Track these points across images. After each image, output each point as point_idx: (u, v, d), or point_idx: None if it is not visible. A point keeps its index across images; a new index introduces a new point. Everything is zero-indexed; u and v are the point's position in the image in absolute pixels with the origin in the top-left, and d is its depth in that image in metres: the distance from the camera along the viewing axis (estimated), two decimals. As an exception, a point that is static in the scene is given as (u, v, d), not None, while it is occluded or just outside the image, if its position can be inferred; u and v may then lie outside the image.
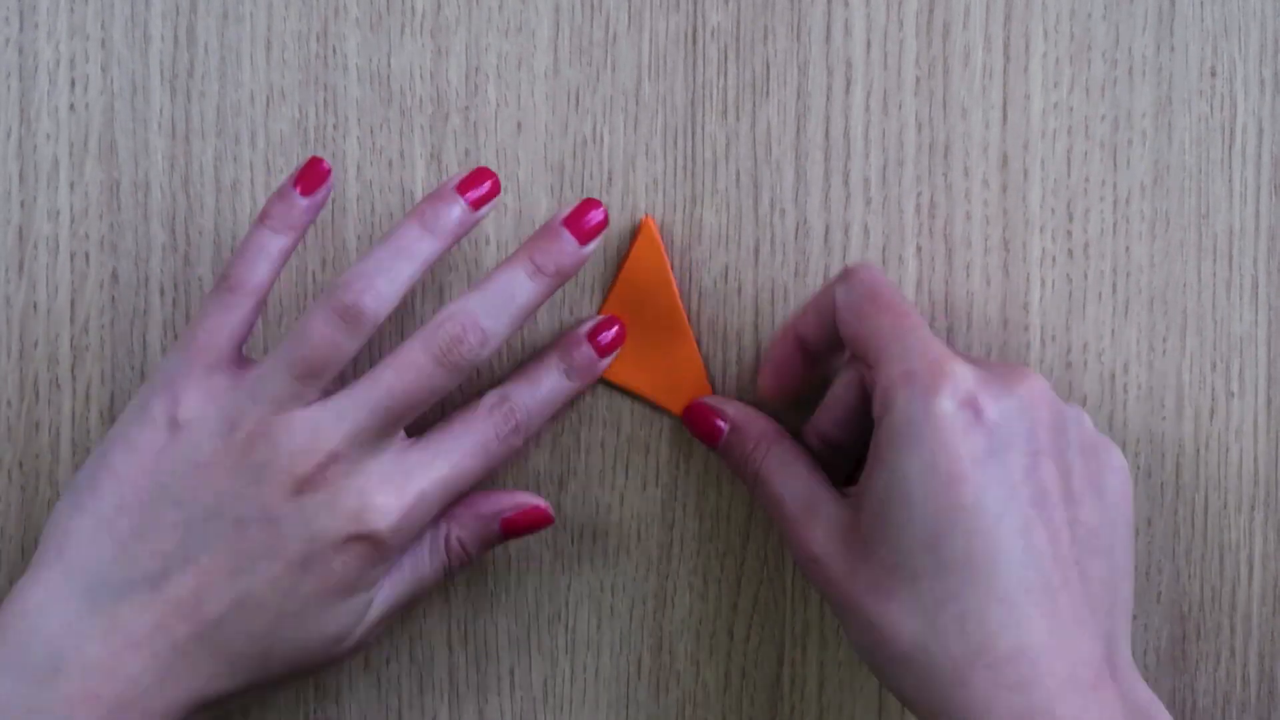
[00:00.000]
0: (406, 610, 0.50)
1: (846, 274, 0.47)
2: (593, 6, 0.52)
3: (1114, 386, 0.53)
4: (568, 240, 0.48)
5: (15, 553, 0.52)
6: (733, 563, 0.53)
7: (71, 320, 0.52)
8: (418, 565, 0.49)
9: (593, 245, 0.48)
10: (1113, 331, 0.53)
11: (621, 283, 0.52)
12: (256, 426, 0.45)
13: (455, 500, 0.48)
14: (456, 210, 0.48)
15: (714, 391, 0.53)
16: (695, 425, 0.51)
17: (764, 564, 0.53)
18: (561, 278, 0.48)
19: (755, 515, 0.53)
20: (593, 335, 0.51)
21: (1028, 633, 0.42)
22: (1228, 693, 0.53)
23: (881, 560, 0.44)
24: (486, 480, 0.49)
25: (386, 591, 0.48)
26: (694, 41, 0.52)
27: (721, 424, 0.50)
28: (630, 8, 0.52)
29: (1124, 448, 0.53)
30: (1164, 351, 0.53)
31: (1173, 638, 0.53)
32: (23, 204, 0.52)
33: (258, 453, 0.45)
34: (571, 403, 0.52)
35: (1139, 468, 0.53)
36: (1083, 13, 0.52)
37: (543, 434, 0.53)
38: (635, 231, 0.52)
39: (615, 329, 0.51)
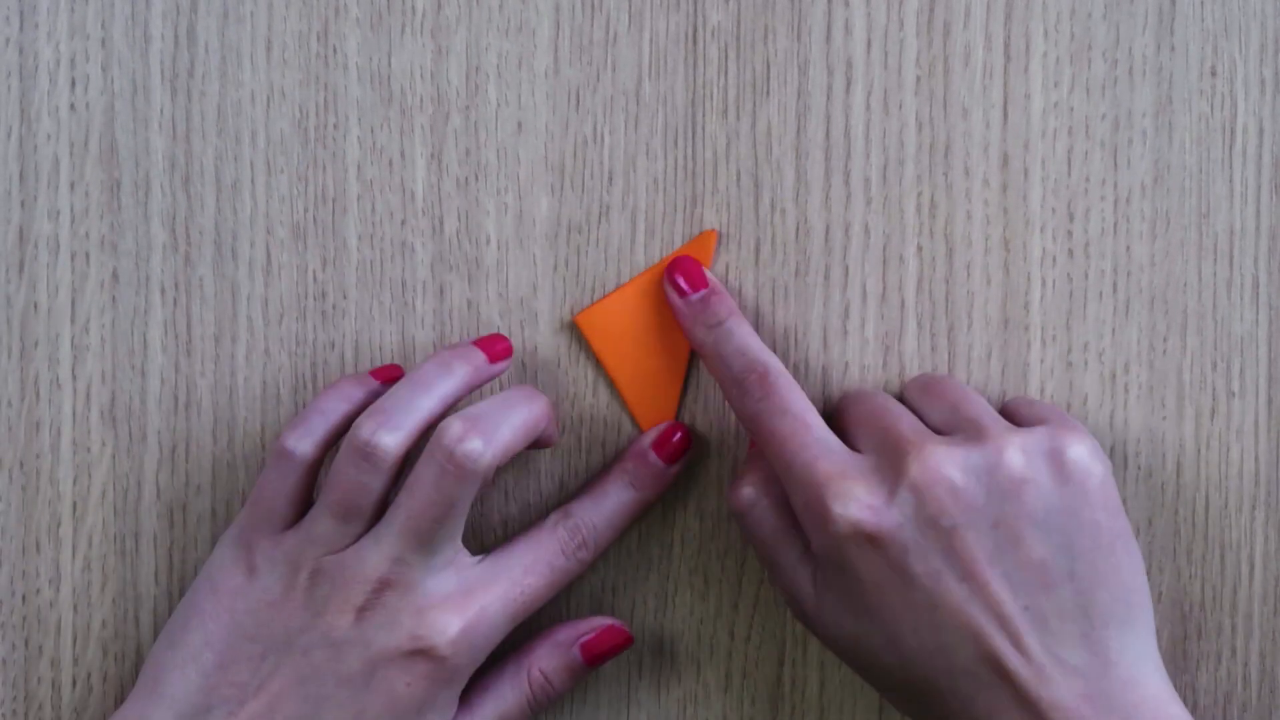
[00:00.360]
0: None
1: (750, 388, 0.49)
2: (593, 6, 0.52)
3: (1114, 386, 0.53)
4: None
5: (16, 552, 0.52)
6: (733, 563, 0.53)
7: (72, 320, 0.52)
8: (499, 702, 0.50)
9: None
10: (1113, 331, 0.53)
11: (657, 270, 0.52)
12: (314, 566, 0.48)
13: (524, 619, 0.49)
14: (476, 357, 0.50)
15: (678, 420, 0.53)
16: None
17: (764, 564, 0.53)
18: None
19: (755, 515, 0.53)
20: (658, 445, 0.52)
21: (999, 712, 0.44)
22: (1229, 692, 0.53)
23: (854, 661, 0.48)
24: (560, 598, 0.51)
25: None
26: (694, 41, 0.52)
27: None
28: (630, 7, 0.52)
29: (1124, 447, 0.53)
30: (1164, 351, 0.53)
31: (1174, 637, 0.53)
32: (23, 204, 0.52)
33: (319, 589, 0.47)
34: (572, 404, 0.52)
35: (1139, 468, 0.53)
36: (1083, 12, 0.52)
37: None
38: (697, 237, 0.52)
39: (679, 435, 0.52)
